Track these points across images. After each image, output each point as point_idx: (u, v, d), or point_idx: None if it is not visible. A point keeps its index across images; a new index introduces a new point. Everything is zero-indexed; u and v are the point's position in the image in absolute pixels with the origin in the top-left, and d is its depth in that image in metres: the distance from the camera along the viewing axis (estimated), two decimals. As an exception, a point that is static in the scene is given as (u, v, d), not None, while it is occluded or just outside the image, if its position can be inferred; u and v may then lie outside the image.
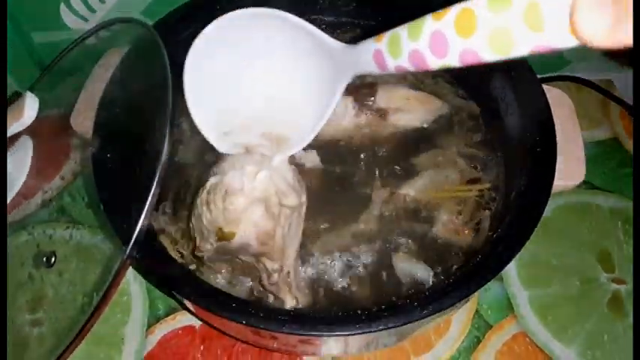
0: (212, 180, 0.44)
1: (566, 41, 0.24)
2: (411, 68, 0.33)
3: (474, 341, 0.57)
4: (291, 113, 0.47)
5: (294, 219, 0.45)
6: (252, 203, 0.42)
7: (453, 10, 0.28)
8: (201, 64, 0.45)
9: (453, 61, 0.30)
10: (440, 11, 0.30)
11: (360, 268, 0.47)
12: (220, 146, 0.47)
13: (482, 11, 0.27)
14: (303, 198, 0.45)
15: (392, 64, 0.34)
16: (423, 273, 0.46)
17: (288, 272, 0.44)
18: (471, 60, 0.29)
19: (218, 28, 0.44)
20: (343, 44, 0.41)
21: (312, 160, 0.52)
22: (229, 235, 0.42)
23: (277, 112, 0.47)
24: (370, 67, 0.37)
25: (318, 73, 0.44)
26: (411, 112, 0.54)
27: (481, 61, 0.28)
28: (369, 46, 0.37)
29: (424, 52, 0.31)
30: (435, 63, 0.31)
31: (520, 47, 0.26)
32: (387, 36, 0.34)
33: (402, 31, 0.33)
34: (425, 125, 0.55)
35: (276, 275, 0.43)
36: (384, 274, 0.47)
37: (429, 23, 0.30)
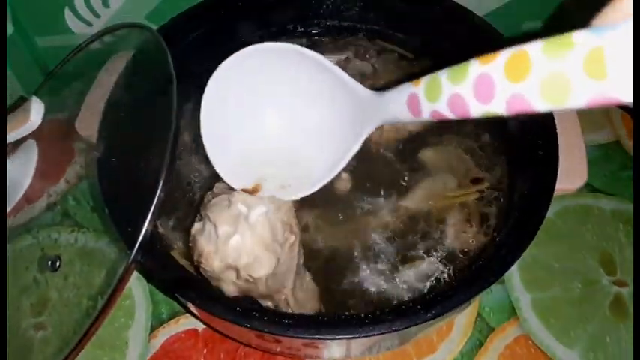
0: (195, 227, 0.42)
1: (628, 94, 0.21)
2: (449, 115, 0.30)
3: (477, 344, 0.57)
4: (307, 156, 0.44)
5: (284, 261, 0.42)
6: (227, 269, 0.40)
7: (505, 54, 0.26)
8: (215, 104, 0.42)
9: (499, 107, 0.26)
10: (488, 55, 0.27)
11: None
12: (232, 183, 0.44)
13: (537, 54, 0.24)
14: (292, 239, 0.42)
15: (428, 109, 0.32)
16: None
17: (286, 299, 0.43)
18: (519, 107, 0.25)
19: (231, 66, 0.42)
20: (371, 91, 0.38)
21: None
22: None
23: (292, 154, 0.45)
24: (402, 114, 0.34)
25: (339, 116, 0.41)
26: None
27: (531, 110, 0.25)
28: (404, 90, 0.34)
29: (466, 97, 0.28)
30: (477, 109, 0.28)
31: (577, 97, 0.23)
32: (425, 79, 0.32)
33: (443, 74, 0.30)
34: (427, 128, 0.55)
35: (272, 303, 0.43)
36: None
37: (475, 67, 0.27)
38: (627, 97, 0.21)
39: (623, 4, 0.22)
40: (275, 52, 0.40)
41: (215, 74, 0.42)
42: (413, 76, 0.33)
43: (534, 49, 0.24)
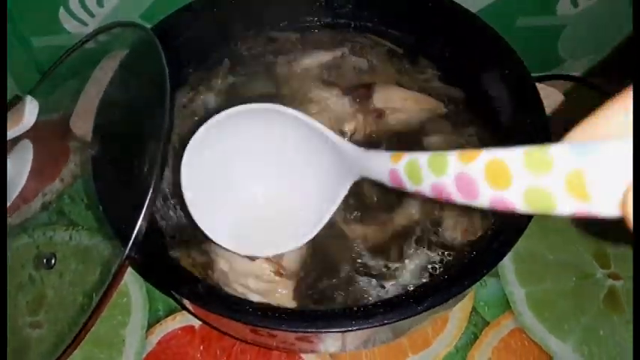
0: None
1: (612, 212, 0.20)
2: (433, 197, 0.29)
3: (471, 337, 0.57)
4: (293, 212, 0.43)
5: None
6: None
7: (484, 156, 0.24)
8: (195, 175, 0.41)
9: (484, 204, 0.25)
10: (466, 152, 0.25)
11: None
12: (228, 246, 0.43)
13: (517, 167, 0.23)
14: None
15: (411, 188, 0.30)
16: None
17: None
18: (503, 208, 0.24)
19: (204, 137, 0.40)
20: (354, 146, 0.37)
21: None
22: None
23: (279, 213, 0.44)
24: (384, 179, 0.33)
25: (325, 169, 0.40)
26: (409, 112, 0.55)
27: (516, 212, 0.24)
28: (384, 162, 0.32)
29: (449, 190, 0.27)
30: (461, 201, 0.27)
31: (562, 209, 0.22)
32: (404, 159, 0.31)
33: (422, 159, 0.29)
34: (421, 124, 0.55)
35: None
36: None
37: (455, 164, 0.26)
38: (614, 213, 0.20)
39: (600, 122, 0.22)
40: (253, 113, 0.39)
41: (189, 146, 0.40)
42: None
43: (514, 161, 0.23)
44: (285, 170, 0.43)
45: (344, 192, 0.39)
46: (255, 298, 0.44)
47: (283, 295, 0.44)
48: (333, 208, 0.40)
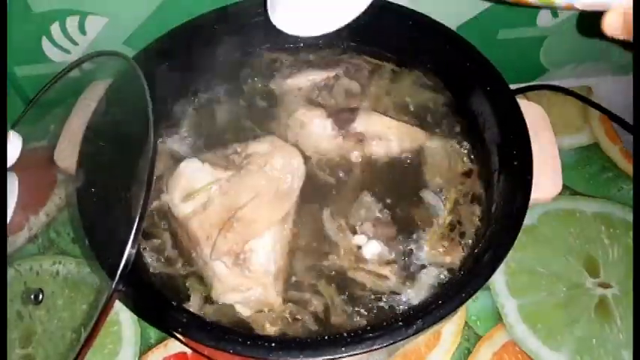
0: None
1: None
2: None
3: (465, 353, 0.57)
4: None
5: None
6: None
7: None
8: None
9: None
10: None
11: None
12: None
13: None
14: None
15: None
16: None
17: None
18: None
19: None
20: None
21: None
22: None
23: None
24: None
25: None
26: (391, 140, 0.55)
27: None
28: None
29: None
30: None
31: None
32: None
33: None
34: (403, 155, 0.55)
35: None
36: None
37: None
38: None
39: None
40: None
41: None
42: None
43: None
44: None
45: None
46: (243, 309, 0.46)
47: (262, 295, 0.46)
48: None
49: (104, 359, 0.57)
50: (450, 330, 0.59)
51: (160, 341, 0.58)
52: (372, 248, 0.49)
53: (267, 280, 0.46)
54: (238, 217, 0.46)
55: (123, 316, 0.60)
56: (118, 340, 0.58)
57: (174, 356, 0.58)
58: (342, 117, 0.54)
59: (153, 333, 0.59)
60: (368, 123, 0.54)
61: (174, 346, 0.58)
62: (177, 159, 0.54)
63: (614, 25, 0.31)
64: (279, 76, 0.61)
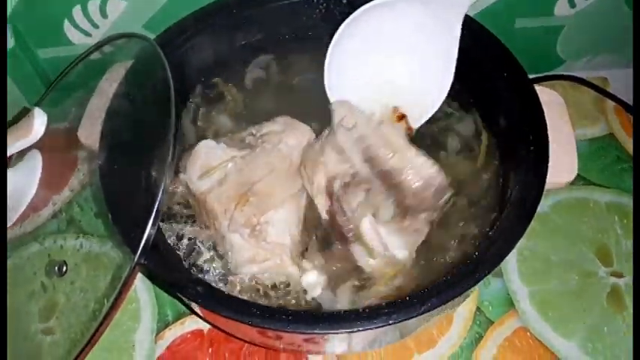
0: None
1: None
2: None
3: (476, 337, 0.58)
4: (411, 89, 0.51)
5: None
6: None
7: None
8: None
9: None
10: None
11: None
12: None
13: None
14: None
15: None
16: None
17: None
18: None
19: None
20: None
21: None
22: None
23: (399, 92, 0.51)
24: None
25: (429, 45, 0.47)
26: None
27: None
28: None
29: None
30: None
31: None
32: None
33: None
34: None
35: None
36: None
37: None
38: None
39: None
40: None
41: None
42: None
43: None
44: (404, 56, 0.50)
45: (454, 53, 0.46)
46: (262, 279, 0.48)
47: (279, 264, 0.48)
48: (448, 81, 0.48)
49: (123, 335, 0.59)
50: (461, 315, 0.59)
51: (176, 319, 0.60)
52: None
53: (282, 250, 0.47)
54: (254, 192, 0.48)
55: (141, 294, 0.61)
56: (136, 317, 0.60)
57: (190, 333, 0.59)
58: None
59: (170, 311, 0.60)
60: None
61: (190, 323, 0.59)
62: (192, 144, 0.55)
63: None
64: (296, 64, 0.62)
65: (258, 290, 0.47)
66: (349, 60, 0.51)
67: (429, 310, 0.39)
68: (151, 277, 0.47)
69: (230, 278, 0.48)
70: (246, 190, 0.48)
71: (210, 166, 0.51)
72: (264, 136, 0.53)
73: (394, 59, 0.52)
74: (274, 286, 0.48)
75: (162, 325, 0.60)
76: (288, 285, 0.48)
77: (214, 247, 0.50)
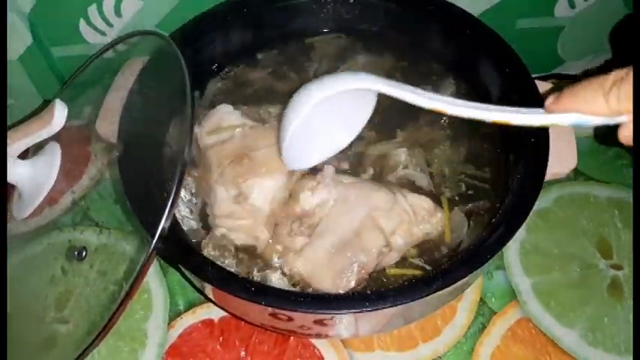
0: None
1: None
2: None
3: (480, 327, 0.59)
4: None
5: None
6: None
7: None
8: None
9: None
10: None
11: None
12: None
13: None
14: None
15: None
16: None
17: None
18: None
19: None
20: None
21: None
22: None
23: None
24: None
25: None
26: None
27: None
28: None
29: None
30: None
31: None
32: None
33: None
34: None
35: None
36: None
37: None
38: None
39: None
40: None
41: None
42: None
43: None
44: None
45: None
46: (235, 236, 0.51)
47: (251, 227, 0.51)
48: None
49: (135, 324, 0.60)
50: (465, 305, 0.61)
51: (188, 308, 0.61)
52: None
53: (258, 216, 0.51)
54: (250, 157, 0.52)
55: (153, 283, 0.63)
56: (149, 306, 0.61)
57: (201, 322, 0.60)
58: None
59: (181, 300, 0.62)
60: None
61: (202, 312, 0.61)
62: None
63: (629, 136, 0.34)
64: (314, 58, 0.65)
65: (229, 250, 0.50)
66: (303, 138, 0.51)
67: (434, 292, 0.40)
68: (169, 261, 0.48)
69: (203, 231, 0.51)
70: (244, 154, 0.52)
71: (220, 125, 0.55)
72: (277, 117, 0.56)
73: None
74: (244, 248, 0.51)
75: (174, 314, 0.61)
76: (256, 249, 0.51)
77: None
